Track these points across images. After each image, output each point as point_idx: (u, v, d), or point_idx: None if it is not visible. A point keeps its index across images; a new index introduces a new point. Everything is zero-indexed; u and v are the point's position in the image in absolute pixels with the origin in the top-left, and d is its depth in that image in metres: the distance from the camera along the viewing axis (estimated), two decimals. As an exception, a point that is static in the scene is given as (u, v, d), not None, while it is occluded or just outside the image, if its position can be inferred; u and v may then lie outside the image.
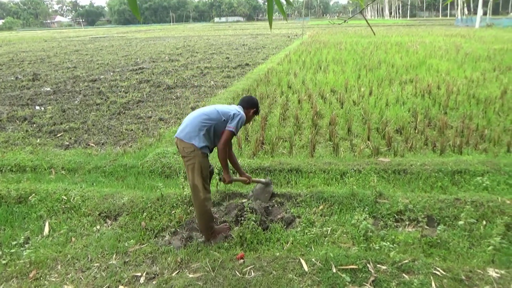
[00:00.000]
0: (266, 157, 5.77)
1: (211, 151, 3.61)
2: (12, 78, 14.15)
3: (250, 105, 3.72)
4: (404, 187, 4.75)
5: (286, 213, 4.23)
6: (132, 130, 7.55)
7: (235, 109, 3.58)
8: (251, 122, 6.91)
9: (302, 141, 6.43)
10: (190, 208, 4.31)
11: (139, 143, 6.67)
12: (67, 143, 6.97)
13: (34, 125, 8.19)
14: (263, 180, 4.37)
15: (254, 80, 11.42)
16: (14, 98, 10.87)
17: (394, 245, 3.48)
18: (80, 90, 11.61)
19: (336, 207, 4.22)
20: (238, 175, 4.14)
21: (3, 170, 5.69)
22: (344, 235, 3.74)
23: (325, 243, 3.66)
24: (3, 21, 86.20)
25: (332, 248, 3.53)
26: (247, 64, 15.31)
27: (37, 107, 9.83)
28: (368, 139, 6.27)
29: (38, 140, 7.11)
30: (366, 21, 1.51)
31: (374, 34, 1.46)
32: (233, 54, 19.13)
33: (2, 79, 14.12)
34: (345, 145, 6.22)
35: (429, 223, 3.96)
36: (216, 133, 3.49)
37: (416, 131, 6.74)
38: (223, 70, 14.16)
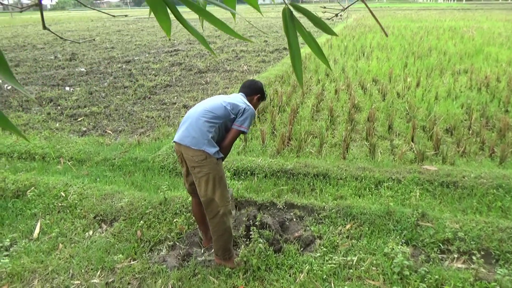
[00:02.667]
0: (292, 156, 5.07)
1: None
2: (52, 57, 14.15)
3: (253, 91, 3.11)
4: (454, 206, 3.88)
5: (305, 231, 3.55)
6: (153, 117, 7.06)
7: (241, 100, 2.97)
8: (275, 115, 6.15)
9: (335, 139, 5.66)
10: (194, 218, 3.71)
11: (156, 132, 6.18)
12: (85, 128, 6.59)
13: (59, 107, 7.92)
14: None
15: (289, 66, 10.58)
16: (47, 77, 10.74)
17: (438, 290, 2.69)
18: (112, 72, 11.31)
19: (367, 228, 3.48)
20: None
21: (12, 157, 5.36)
22: (374, 268, 2.99)
23: (348, 278, 2.93)
24: (56, 0, 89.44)
25: (356, 286, 2.81)
26: (285, 48, 14.44)
27: (67, 88, 9.60)
28: (412, 140, 5.38)
29: (57, 124, 6.78)
30: (371, 12, 0.80)
31: (387, 36, 0.69)
32: (272, 37, 18.25)
33: (42, 58, 14.15)
34: (384, 145, 5.39)
35: (486, 259, 3.11)
36: (225, 132, 2.91)
37: (471, 132, 5.73)
38: (259, 54, 13.40)
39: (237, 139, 3.80)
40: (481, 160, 4.83)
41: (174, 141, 2.83)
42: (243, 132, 2.86)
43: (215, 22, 0.92)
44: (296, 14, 1.04)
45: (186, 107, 7.63)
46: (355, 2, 1.26)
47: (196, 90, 8.88)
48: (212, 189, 2.79)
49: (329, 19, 1.12)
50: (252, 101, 3.09)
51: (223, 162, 3.11)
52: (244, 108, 2.86)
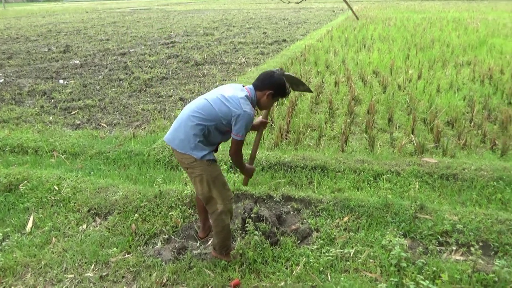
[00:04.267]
0: (289, 149, 5.07)
1: (217, 149, 2.99)
2: (45, 50, 14.11)
3: (265, 86, 2.75)
4: (453, 198, 3.91)
5: (302, 223, 3.59)
6: (148, 110, 7.06)
7: (237, 100, 2.65)
8: (272, 107, 5.72)
9: (334, 131, 5.66)
10: (190, 210, 3.76)
11: (152, 125, 6.18)
12: (79, 122, 6.60)
13: (52, 100, 7.91)
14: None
15: (288, 58, 10.57)
16: (41, 70, 10.71)
17: (436, 282, 2.72)
18: (107, 64, 11.29)
19: (364, 221, 3.51)
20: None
21: (4, 151, 5.37)
22: (371, 261, 3.03)
23: (345, 270, 2.97)
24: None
25: (353, 278, 2.84)
26: (284, 40, 14.40)
27: (61, 81, 9.58)
28: (412, 133, 5.38)
29: (51, 118, 6.79)
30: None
31: (357, 19, 0.68)
32: (271, 28, 18.18)
33: (36, 50, 14.11)
34: (384, 138, 5.39)
35: (484, 251, 3.14)
36: (217, 133, 2.78)
37: (472, 124, 5.75)
38: (257, 46, 13.37)
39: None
40: (482, 153, 4.85)
41: (165, 140, 2.83)
42: (241, 141, 2.73)
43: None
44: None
45: (183, 100, 7.63)
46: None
47: (192, 83, 8.87)
48: (208, 188, 2.81)
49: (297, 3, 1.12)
50: (261, 97, 2.79)
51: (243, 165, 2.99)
52: (238, 115, 2.60)
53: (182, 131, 2.69)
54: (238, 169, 3.26)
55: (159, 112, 6.92)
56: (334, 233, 3.33)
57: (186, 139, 2.67)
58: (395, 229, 3.33)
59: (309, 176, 4.39)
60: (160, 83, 9.01)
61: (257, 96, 2.80)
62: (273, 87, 2.77)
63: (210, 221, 2.98)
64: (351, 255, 3.06)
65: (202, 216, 3.30)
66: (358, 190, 4.05)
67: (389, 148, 5.06)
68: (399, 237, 3.12)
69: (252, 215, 3.36)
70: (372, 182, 4.20)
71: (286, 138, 5.42)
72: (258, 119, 3.11)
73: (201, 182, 2.77)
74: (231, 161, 3.59)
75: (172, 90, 8.39)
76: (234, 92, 2.71)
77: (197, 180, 2.77)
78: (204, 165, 2.72)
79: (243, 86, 2.81)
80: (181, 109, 3.71)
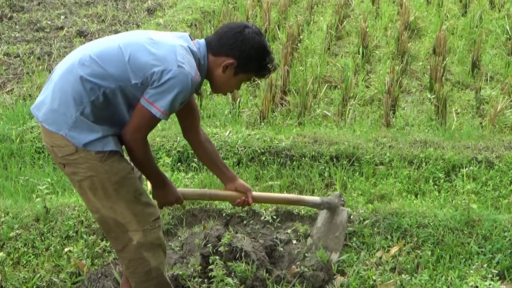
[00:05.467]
0: (289, 123, 3.97)
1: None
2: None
3: (226, 49, 1.94)
4: None
5: (311, 261, 2.55)
6: (17, 56, 5.22)
7: (173, 46, 1.86)
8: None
9: (371, 89, 4.42)
10: (104, 242, 2.70)
11: (26, 84, 4.60)
12: None
13: None
14: (311, 199, 2.68)
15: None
16: None
17: None
18: None
19: (429, 252, 2.47)
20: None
21: None
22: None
23: None
24: None
25: None
26: None
27: None
28: None
29: None
30: None
31: None
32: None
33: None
34: (464, 100, 4.24)
35: None
36: (121, 104, 1.91)
37: None
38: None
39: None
40: None
41: (31, 110, 1.99)
42: (154, 116, 1.84)
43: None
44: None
45: (84, 34, 5.67)
46: None
47: (103, 2, 6.66)
48: (107, 202, 1.91)
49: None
50: (215, 68, 1.96)
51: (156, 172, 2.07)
52: (165, 71, 1.79)
53: (57, 91, 1.87)
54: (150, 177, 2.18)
55: (38, 59, 5.12)
56: (373, 277, 2.38)
57: (62, 106, 1.85)
58: (485, 265, 2.43)
59: (325, 174, 3.31)
60: (38, 4, 6.67)
61: (209, 62, 1.96)
62: (238, 55, 1.94)
63: (123, 268, 2.12)
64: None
65: None
66: (416, 196, 3.07)
67: (474, 117, 4.00)
68: (492, 280, 2.28)
69: (221, 249, 2.51)
70: (442, 181, 3.18)
71: (282, 105, 4.29)
72: (240, 183, 2.29)
73: (92, 190, 1.92)
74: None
75: (62, 16, 6.29)
76: (169, 38, 1.95)
77: (86, 188, 1.92)
78: (94, 160, 1.88)
79: (190, 36, 2.04)
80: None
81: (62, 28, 5.91)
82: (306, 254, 2.50)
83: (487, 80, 4.53)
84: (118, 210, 1.92)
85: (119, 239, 1.98)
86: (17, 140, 3.77)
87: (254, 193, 2.30)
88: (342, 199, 2.63)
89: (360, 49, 4.98)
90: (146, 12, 6.44)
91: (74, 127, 1.80)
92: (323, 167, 3.36)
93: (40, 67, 4.96)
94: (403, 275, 2.34)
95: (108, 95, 1.81)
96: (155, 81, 1.78)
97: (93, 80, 1.78)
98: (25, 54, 5.28)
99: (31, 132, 3.82)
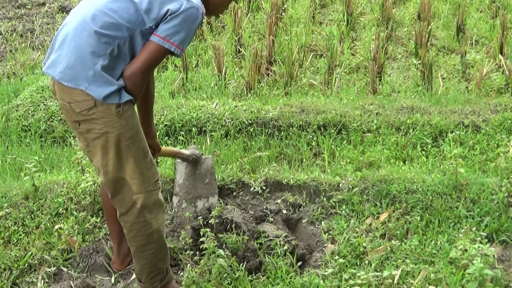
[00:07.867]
0: (275, 94, 3.99)
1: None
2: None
3: None
4: None
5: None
6: (0, 34, 5.24)
7: None
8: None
9: (357, 57, 4.45)
10: (94, 218, 2.70)
11: (10, 62, 4.57)
12: None
13: None
14: (186, 152, 2.77)
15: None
16: None
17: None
18: None
19: (418, 218, 2.49)
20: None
21: None
22: (431, 287, 2.14)
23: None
24: None
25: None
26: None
27: None
28: (501, 52, 4.17)
29: None
30: None
31: None
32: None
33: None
34: (450, 64, 4.25)
35: None
36: (140, 46, 1.96)
37: None
38: None
39: (161, 64, 2.95)
40: None
41: (44, 71, 2.01)
42: (173, 53, 1.93)
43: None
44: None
45: (66, 11, 5.64)
46: None
47: None
48: (117, 160, 1.97)
49: None
50: None
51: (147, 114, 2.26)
52: (177, 10, 1.86)
53: (72, 48, 1.90)
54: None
55: (21, 36, 5.13)
56: (364, 244, 2.42)
57: (78, 62, 1.89)
58: (474, 228, 2.43)
59: (313, 143, 3.34)
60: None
61: None
62: None
63: (124, 231, 2.10)
64: (395, 281, 2.18)
65: (115, 227, 2.38)
66: (404, 163, 3.08)
67: (460, 82, 4.02)
68: (481, 243, 2.25)
69: (212, 221, 2.53)
70: (430, 146, 3.20)
71: (268, 75, 4.27)
72: (156, 142, 2.44)
73: (104, 148, 1.95)
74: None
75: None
76: None
77: (98, 146, 1.96)
78: (111, 115, 1.92)
79: None
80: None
81: (44, 4, 5.89)
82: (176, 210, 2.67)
83: (472, 44, 4.56)
84: (127, 168, 1.98)
85: (124, 201, 2.02)
86: (3, 119, 3.77)
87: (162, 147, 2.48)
88: (198, 150, 2.78)
89: (345, 16, 4.99)
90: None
91: (94, 81, 1.84)
92: (310, 136, 3.40)
93: (23, 44, 4.91)
94: (393, 241, 2.38)
95: (122, 46, 1.87)
96: (168, 18, 1.86)
97: (107, 33, 1.83)
98: (7, 31, 5.24)
99: (16, 110, 3.82)
